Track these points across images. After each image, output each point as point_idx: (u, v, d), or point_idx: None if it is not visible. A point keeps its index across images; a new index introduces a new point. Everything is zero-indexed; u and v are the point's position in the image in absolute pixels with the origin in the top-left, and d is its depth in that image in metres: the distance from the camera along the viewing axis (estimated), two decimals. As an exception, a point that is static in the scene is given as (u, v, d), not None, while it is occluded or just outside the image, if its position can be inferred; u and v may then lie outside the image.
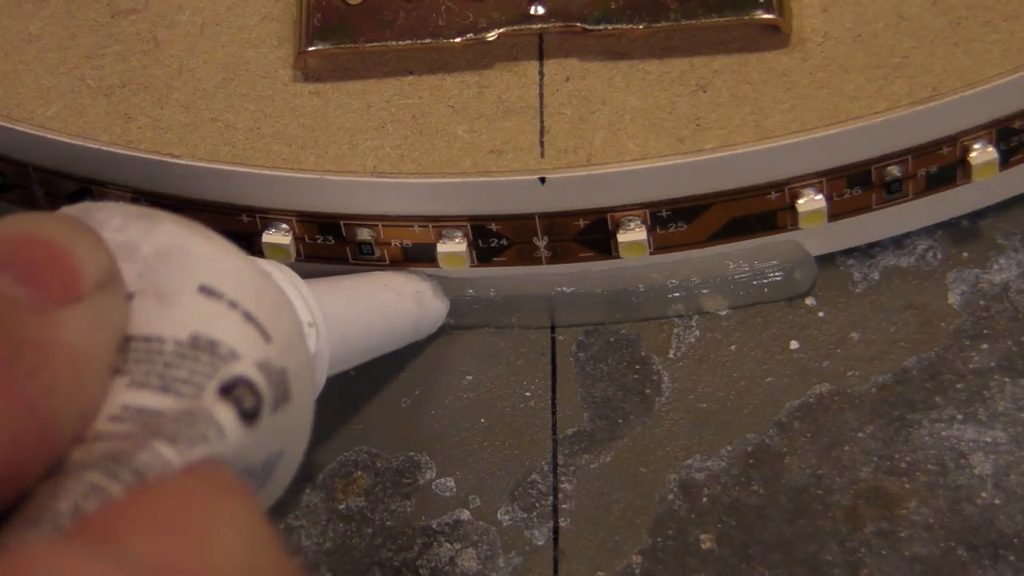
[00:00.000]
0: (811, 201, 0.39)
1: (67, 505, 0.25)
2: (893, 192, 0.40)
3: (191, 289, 0.29)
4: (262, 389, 0.29)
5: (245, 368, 0.29)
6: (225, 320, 0.29)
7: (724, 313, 0.41)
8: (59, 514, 0.25)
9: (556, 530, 0.39)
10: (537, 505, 0.39)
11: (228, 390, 0.28)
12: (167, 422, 0.27)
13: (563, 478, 0.39)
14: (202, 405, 0.28)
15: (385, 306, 0.40)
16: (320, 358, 0.36)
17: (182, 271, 0.29)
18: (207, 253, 0.30)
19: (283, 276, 0.36)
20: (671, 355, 0.41)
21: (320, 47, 0.40)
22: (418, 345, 0.42)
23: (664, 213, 0.39)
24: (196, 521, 0.25)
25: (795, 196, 0.39)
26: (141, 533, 0.25)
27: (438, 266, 0.40)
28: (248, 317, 0.29)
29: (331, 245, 0.41)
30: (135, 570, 0.24)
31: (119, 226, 0.30)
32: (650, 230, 0.40)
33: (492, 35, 0.40)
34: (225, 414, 0.28)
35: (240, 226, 0.41)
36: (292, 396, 0.30)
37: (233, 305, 0.29)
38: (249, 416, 0.28)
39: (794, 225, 0.40)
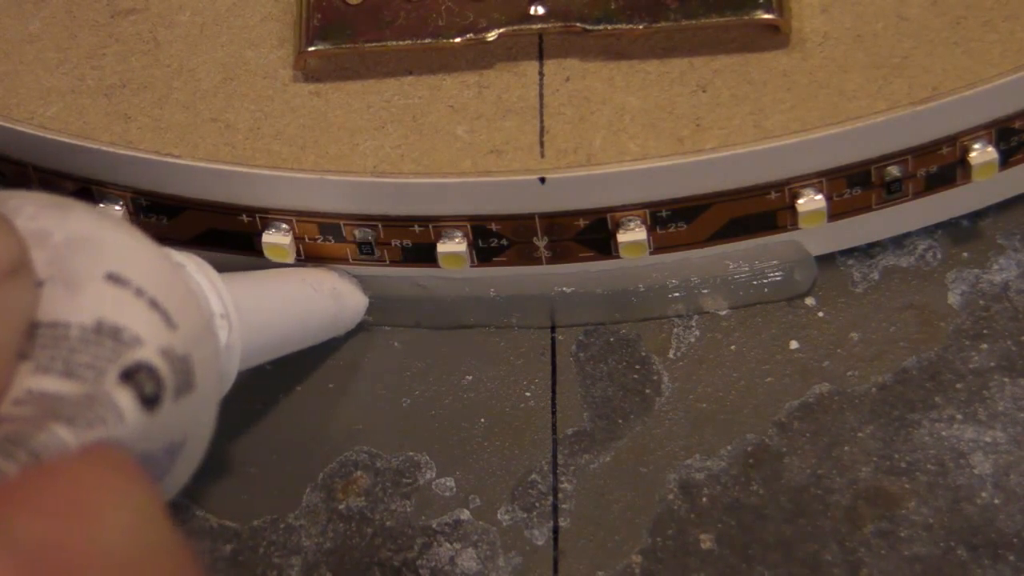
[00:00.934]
0: (811, 201, 0.39)
1: None
2: (893, 192, 0.40)
3: (99, 276, 0.29)
4: (164, 375, 0.29)
5: (147, 354, 0.29)
6: (130, 307, 0.29)
7: (724, 313, 0.41)
8: None
9: (556, 530, 0.39)
10: (537, 505, 0.39)
11: (129, 375, 0.29)
12: (66, 405, 0.27)
13: (563, 478, 0.39)
14: (102, 389, 0.28)
15: (301, 301, 0.40)
16: (232, 350, 0.36)
17: (91, 259, 0.29)
18: (117, 242, 0.30)
19: (196, 268, 0.36)
20: (671, 355, 0.41)
21: (320, 47, 0.40)
22: (418, 345, 0.42)
23: (664, 213, 0.39)
24: (86, 502, 0.25)
25: (795, 196, 0.39)
26: (29, 514, 0.25)
27: (438, 266, 0.40)
28: (154, 304, 0.30)
29: (331, 245, 0.41)
30: (19, 551, 0.24)
31: (32, 214, 0.30)
32: (650, 230, 0.40)
33: (492, 35, 0.40)
34: (125, 398, 0.28)
35: (240, 226, 0.41)
36: (196, 385, 0.30)
37: (140, 292, 0.30)
38: (149, 401, 0.29)
39: (794, 225, 0.40)
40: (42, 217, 0.30)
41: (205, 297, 0.35)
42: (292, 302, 0.40)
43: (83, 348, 0.28)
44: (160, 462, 0.30)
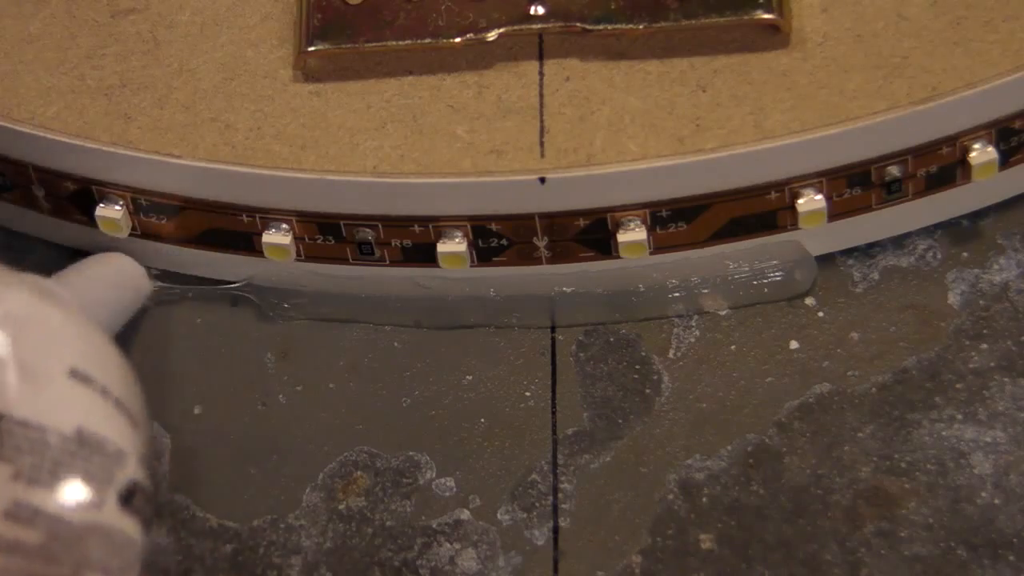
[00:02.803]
0: (811, 201, 0.39)
1: None
2: (893, 192, 0.40)
3: (61, 372, 0.28)
4: (148, 489, 0.29)
5: (135, 471, 0.29)
6: (103, 412, 0.29)
7: (724, 313, 0.41)
8: None
9: (556, 530, 0.39)
10: (537, 505, 0.39)
11: (128, 498, 0.28)
12: (90, 546, 0.27)
13: (563, 478, 0.39)
14: (111, 523, 0.27)
15: (115, 309, 0.39)
16: None
17: (48, 348, 0.29)
18: (69, 328, 0.29)
19: (71, 297, 0.34)
20: (671, 355, 0.41)
21: (320, 47, 0.40)
22: (418, 345, 0.42)
23: (664, 213, 0.39)
24: None
25: (795, 196, 0.39)
26: None
27: (438, 266, 0.40)
28: (120, 405, 0.29)
29: (331, 245, 0.41)
30: None
31: None
32: (650, 230, 0.40)
33: (492, 35, 0.40)
34: (133, 528, 0.28)
35: (240, 226, 0.41)
36: (156, 486, 0.30)
37: (105, 392, 0.29)
38: (148, 523, 0.29)
39: (794, 225, 0.40)
40: None
41: (134, 374, 0.34)
42: (112, 315, 0.39)
43: (69, 460, 0.28)
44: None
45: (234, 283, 0.42)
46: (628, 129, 0.39)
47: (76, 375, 0.29)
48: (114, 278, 0.40)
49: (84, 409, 0.28)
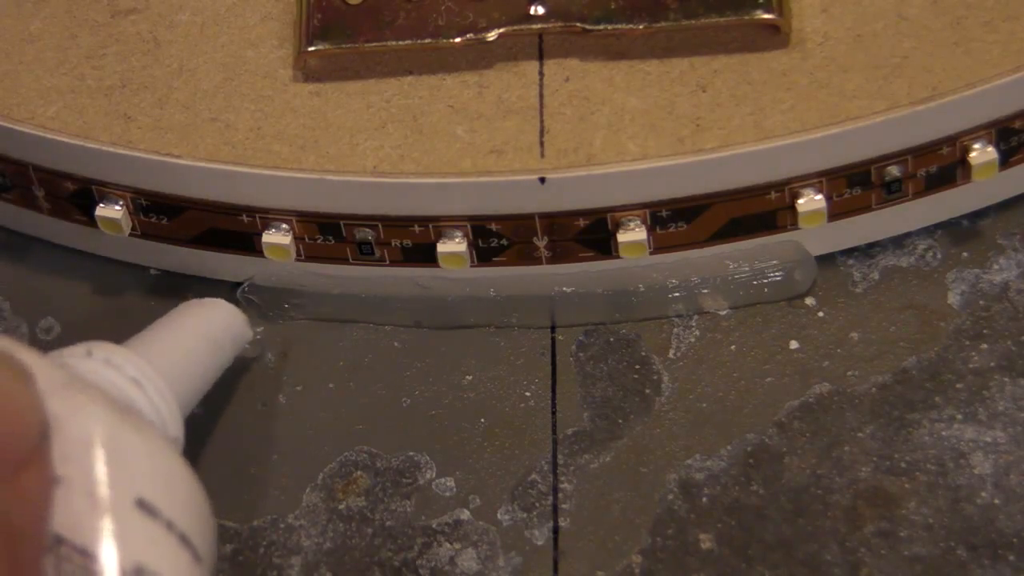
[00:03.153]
0: (811, 201, 0.39)
1: None
2: (893, 192, 0.40)
3: (128, 501, 0.28)
4: None
5: None
6: (166, 549, 0.28)
7: (724, 313, 0.41)
8: None
9: (556, 530, 0.39)
10: (537, 505, 0.39)
11: None
12: None
13: (563, 478, 0.39)
14: None
15: (212, 366, 0.38)
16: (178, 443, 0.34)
17: (118, 475, 0.28)
18: (142, 454, 0.28)
19: (155, 389, 0.33)
20: (671, 355, 0.41)
21: (320, 47, 0.40)
22: (418, 345, 0.42)
23: (664, 213, 0.39)
24: None
25: (795, 196, 0.39)
26: None
27: (438, 266, 0.40)
28: (184, 540, 0.28)
29: (331, 245, 0.41)
30: None
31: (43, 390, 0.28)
32: (650, 230, 0.40)
33: (492, 35, 0.40)
34: None
35: (240, 226, 0.41)
36: None
37: (171, 526, 0.28)
38: None
39: (794, 225, 0.40)
40: (55, 397, 0.28)
41: (208, 506, 0.32)
42: (206, 372, 0.38)
43: None
44: None
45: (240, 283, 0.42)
46: (628, 129, 0.39)
47: (143, 506, 0.28)
48: (210, 335, 0.38)
49: (146, 545, 0.27)
